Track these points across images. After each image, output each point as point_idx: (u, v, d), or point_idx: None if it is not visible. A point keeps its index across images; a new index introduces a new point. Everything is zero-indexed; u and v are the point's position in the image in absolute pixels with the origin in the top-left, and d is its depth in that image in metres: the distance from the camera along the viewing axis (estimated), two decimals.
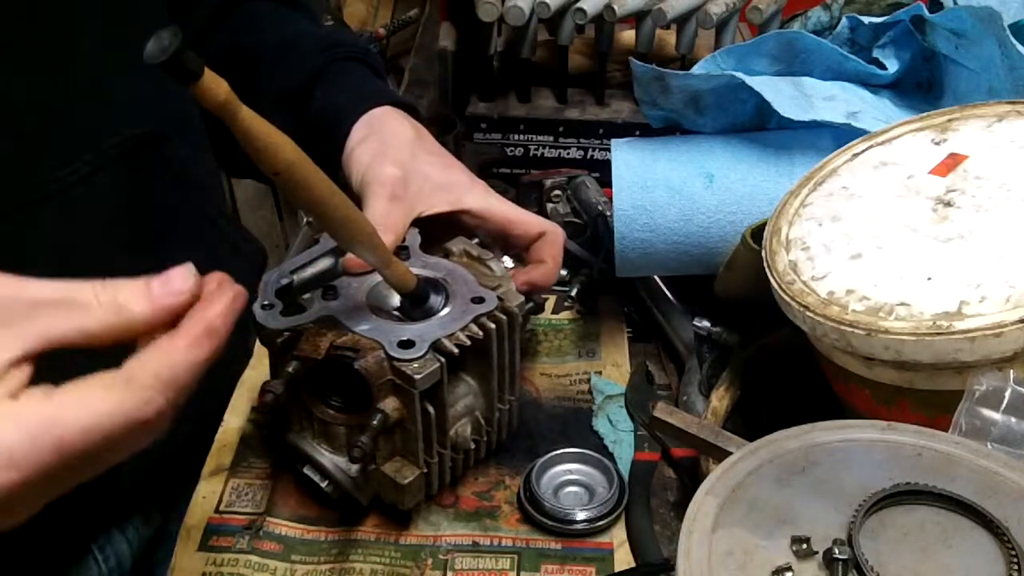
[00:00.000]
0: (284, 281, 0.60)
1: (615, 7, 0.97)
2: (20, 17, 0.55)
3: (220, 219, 0.77)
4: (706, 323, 0.76)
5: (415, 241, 0.67)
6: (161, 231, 0.67)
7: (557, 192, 0.98)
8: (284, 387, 0.58)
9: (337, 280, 0.62)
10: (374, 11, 1.75)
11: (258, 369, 0.78)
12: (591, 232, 0.92)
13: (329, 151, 0.69)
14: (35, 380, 0.37)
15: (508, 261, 0.72)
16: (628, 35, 1.11)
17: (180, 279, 0.41)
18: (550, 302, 0.86)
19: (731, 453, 0.51)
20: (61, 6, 0.57)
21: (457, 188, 0.68)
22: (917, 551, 0.42)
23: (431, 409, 0.59)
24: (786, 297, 0.59)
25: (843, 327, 0.55)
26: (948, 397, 0.52)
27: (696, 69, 0.78)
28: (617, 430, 0.72)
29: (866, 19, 0.82)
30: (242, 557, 0.63)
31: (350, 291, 0.62)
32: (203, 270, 0.42)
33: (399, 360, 0.57)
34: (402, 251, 0.65)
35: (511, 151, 1.07)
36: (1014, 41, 0.68)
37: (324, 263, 0.61)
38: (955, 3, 0.82)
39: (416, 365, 0.56)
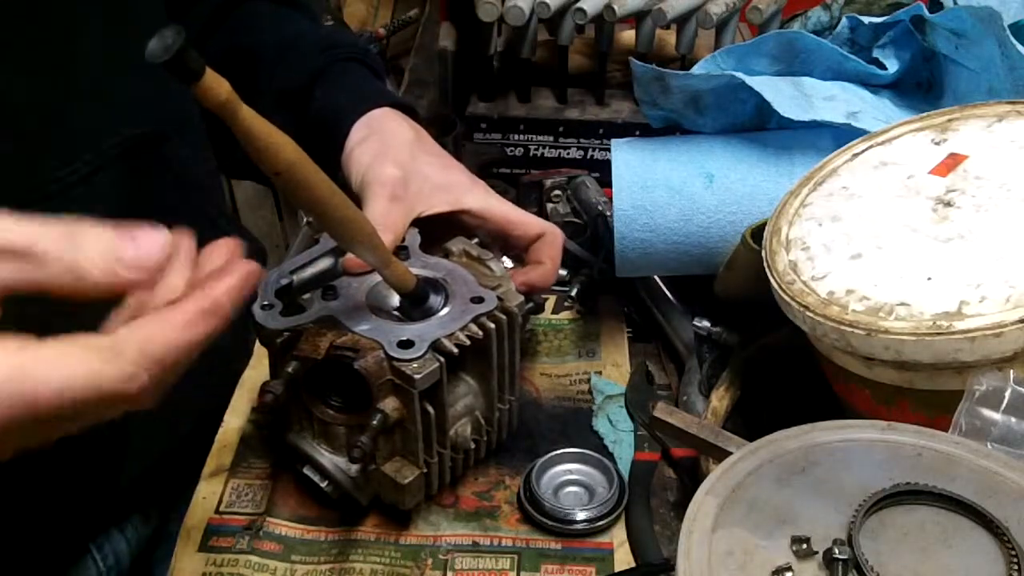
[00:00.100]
0: (284, 281, 0.60)
1: (615, 7, 0.97)
2: (20, 17, 0.55)
3: (220, 219, 0.77)
4: (706, 323, 0.76)
5: (415, 241, 0.67)
6: None
7: (557, 192, 0.98)
8: (284, 387, 0.58)
9: (337, 280, 0.62)
10: (374, 11, 1.75)
11: (258, 369, 0.78)
12: (591, 232, 0.92)
13: (329, 151, 0.69)
14: (10, 328, 0.36)
15: (507, 261, 0.72)
16: (628, 35, 1.11)
17: (151, 247, 0.39)
18: (550, 302, 0.86)
19: (731, 453, 0.51)
20: (61, 6, 0.57)
21: (457, 188, 0.68)
22: (917, 551, 0.42)
23: (431, 409, 0.59)
24: (786, 297, 0.59)
25: (843, 327, 0.55)
26: (948, 397, 0.52)
27: (696, 69, 0.78)
28: (617, 430, 0.72)
29: (866, 19, 0.82)
30: (242, 557, 0.63)
31: (350, 291, 0.62)
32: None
33: (399, 360, 0.57)
34: (402, 251, 0.65)
35: (511, 151, 1.07)
36: (1014, 41, 0.68)
37: (324, 263, 0.61)
38: (955, 3, 0.82)
39: (416, 365, 0.56)
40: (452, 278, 0.64)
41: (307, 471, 0.62)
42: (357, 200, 0.65)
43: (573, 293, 0.85)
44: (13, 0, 0.54)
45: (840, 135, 0.72)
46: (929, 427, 0.50)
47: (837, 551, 0.41)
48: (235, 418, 0.74)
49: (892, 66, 0.80)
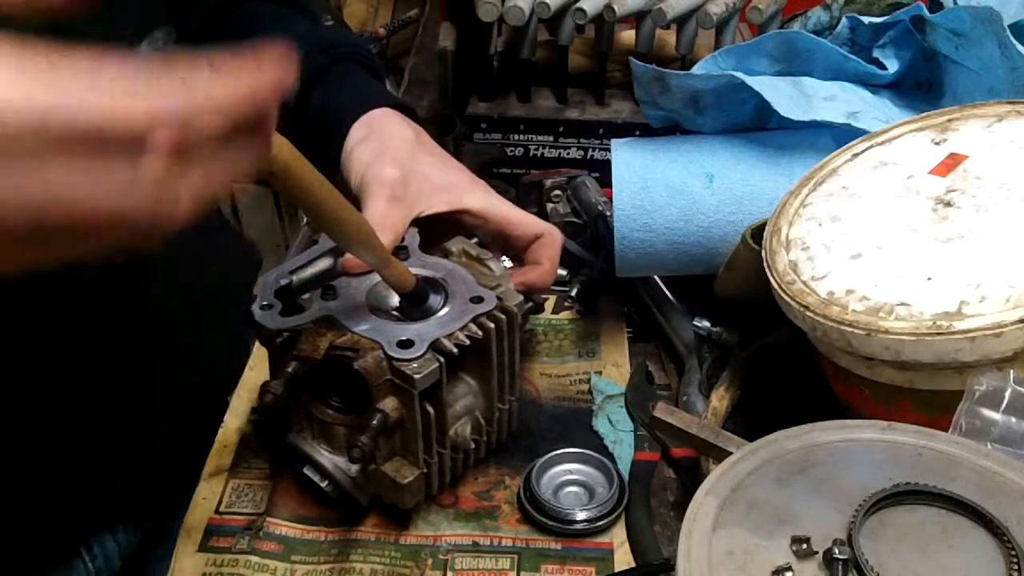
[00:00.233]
0: (283, 281, 0.60)
1: (615, 7, 0.97)
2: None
3: (219, 219, 0.77)
4: (706, 323, 0.76)
5: (414, 241, 0.67)
6: None
7: (557, 192, 0.98)
8: (284, 387, 0.58)
9: (336, 280, 0.62)
10: (374, 11, 1.75)
11: (258, 369, 0.78)
12: (591, 232, 0.92)
13: (328, 151, 0.69)
14: None
15: (507, 261, 0.72)
16: (628, 35, 1.11)
17: None
18: (550, 302, 0.86)
19: (731, 453, 0.51)
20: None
21: (457, 188, 0.68)
22: (917, 551, 0.42)
23: (430, 409, 0.59)
24: (786, 297, 0.59)
25: (843, 327, 0.55)
26: (948, 397, 0.52)
27: (696, 69, 0.78)
28: (617, 430, 0.72)
29: (866, 19, 0.82)
30: (242, 557, 0.62)
31: (349, 291, 0.62)
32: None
33: (398, 360, 0.57)
34: (401, 251, 0.65)
35: (511, 151, 1.07)
36: (1014, 41, 0.68)
37: (323, 263, 0.61)
38: (955, 3, 0.82)
39: (415, 365, 0.56)
40: (451, 278, 0.64)
41: (307, 471, 0.62)
42: (356, 200, 0.65)
43: (573, 293, 0.85)
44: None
45: (840, 135, 0.72)
46: (929, 427, 0.50)
47: (837, 551, 0.41)
48: (235, 418, 0.74)
49: (892, 66, 0.80)
